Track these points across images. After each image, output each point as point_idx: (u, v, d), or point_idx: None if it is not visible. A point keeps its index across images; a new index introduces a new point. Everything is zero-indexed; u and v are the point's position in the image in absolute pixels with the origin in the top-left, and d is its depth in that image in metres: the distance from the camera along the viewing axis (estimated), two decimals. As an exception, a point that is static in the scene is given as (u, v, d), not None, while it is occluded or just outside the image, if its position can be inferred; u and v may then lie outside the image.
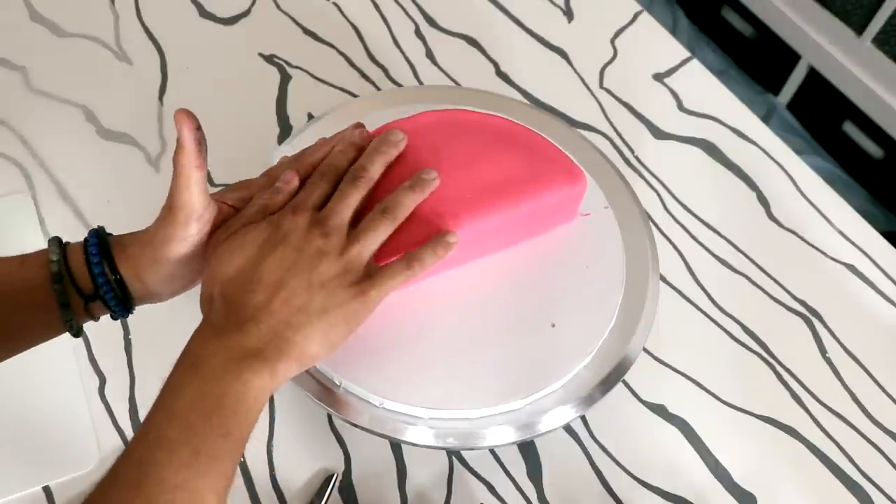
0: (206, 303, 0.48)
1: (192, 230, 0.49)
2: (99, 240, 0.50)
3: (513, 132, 0.61)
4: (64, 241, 0.50)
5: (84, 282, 0.49)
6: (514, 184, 0.57)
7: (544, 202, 0.58)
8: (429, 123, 0.60)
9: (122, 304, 0.50)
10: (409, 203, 0.52)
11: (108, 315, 0.51)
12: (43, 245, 0.70)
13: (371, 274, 0.49)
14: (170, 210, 0.48)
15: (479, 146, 0.59)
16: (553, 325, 0.57)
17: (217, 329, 0.45)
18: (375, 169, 0.53)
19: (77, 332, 0.50)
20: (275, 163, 0.62)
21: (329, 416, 0.65)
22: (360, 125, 0.58)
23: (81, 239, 0.51)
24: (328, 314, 0.46)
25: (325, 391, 0.55)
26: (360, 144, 0.55)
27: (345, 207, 0.50)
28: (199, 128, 0.47)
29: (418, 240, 0.52)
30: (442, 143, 0.59)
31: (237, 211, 0.52)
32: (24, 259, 0.50)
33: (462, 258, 0.57)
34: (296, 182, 0.52)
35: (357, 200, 0.51)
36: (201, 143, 0.47)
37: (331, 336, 0.47)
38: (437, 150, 0.58)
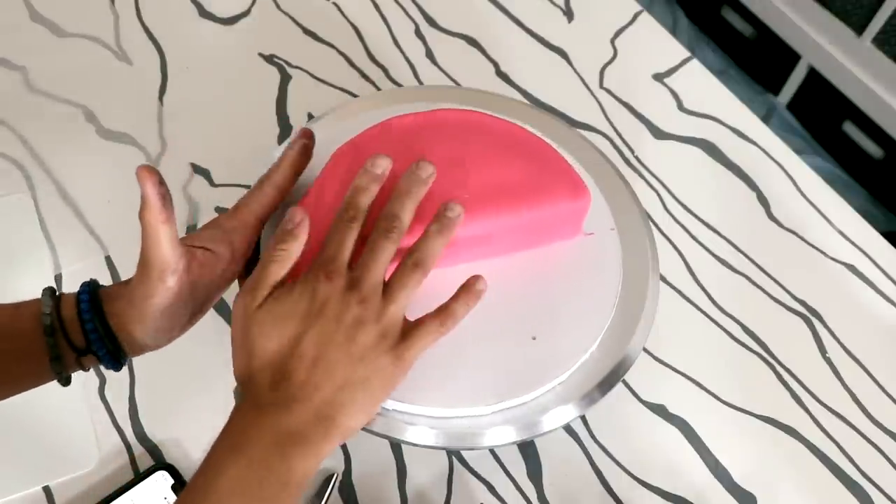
0: (246, 378, 0.46)
1: (169, 283, 0.48)
2: (90, 294, 0.49)
3: (522, 139, 0.60)
4: (58, 292, 0.50)
5: (76, 336, 0.49)
6: (515, 190, 0.57)
7: (544, 213, 0.57)
8: (438, 121, 0.60)
9: (113, 358, 0.50)
10: (439, 250, 0.50)
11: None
12: (43, 246, 0.71)
13: (405, 335, 0.48)
14: (144, 268, 0.48)
15: (484, 148, 0.59)
16: (534, 338, 0.57)
17: (260, 408, 0.45)
18: (407, 216, 0.50)
19: (66, 383, 0.50)
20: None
21: (329, 416, 0.65)
22: (309, 132, 0.57)
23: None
24: (369, 384, 0.46)
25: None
26: (381, 177, 0.52)
27: (379, 266, 0.48)
28: (161, 182, 0.46)
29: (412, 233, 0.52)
30: (448, 142, 0.59)
31: (210, 252, 0.51)
32: (17, 308, 0.49)
33: (456, 258, 0.57)
34: (307, 223, 0.49)
35: (391, 255, 0.48)
36: (165, 197, 0.46)
37: (371, 406, 0.47)
38: (442, 147, 0.58)
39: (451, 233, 0.50)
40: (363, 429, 0.55)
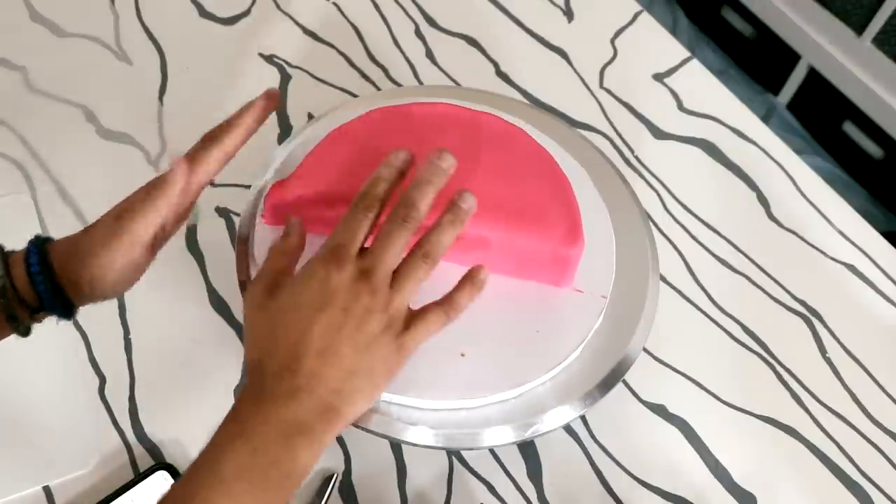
0: (255, 366, 0.47)
1: (138, 257, 0.50)
2: (39, 253, 0.50)
3: (544, 163, 0.60)
4: (6, 249, 0.51)
5: (29, 296, 0.49)
6: (507, 208, 0.57)
7: (528, 245, 0.57)
8: (467, 119, 0.60)
9: (65, 312, 0.51)
10: (450, 241, 0.49)
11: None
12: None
13: (409, 324, 0.48)
14: (117, 236, 0.49)
15: (501, 160, 0.59)
16: (537, 331, 0.57)
17: (266, 396, 0.45)
18: (425, 205, 0.49)
19: (26, 333, 0.51)
20: (277, 162, 0.63)
21: (329, 416, 0.65)
22: (275, 94, 0.55)
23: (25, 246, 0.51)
24: (372, 373, 0.46)
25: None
26: (402, 171, 0.51)
27: (392, 255, 0.47)
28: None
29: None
30: (467, 141, 0.59)
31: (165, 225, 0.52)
32: None
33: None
34: (301, 224, 0.51)
35: (405, 243, 0.48)
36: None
37: (372, 393, 0.47)
38: (456, 144, 0.58)
39: (462, 224, 0.50)
40: (363, 429, 0.55)
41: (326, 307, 0.46)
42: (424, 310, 0.49)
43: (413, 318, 0.48)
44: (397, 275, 0.48)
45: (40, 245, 0.50)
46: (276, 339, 0.46)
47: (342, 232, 0.48)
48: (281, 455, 0.43)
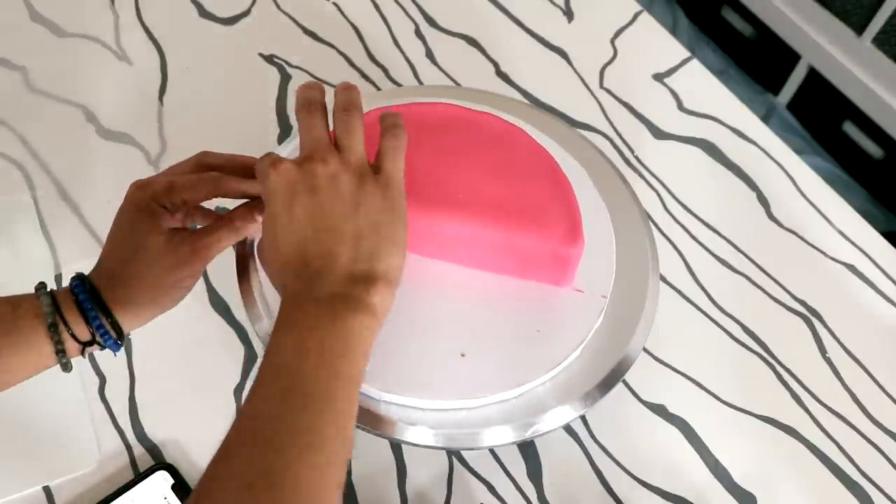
0: (277, 284, 0.48)
1: (189, 288, 0.55)
2: (85, 289, 0.51)
3: (546, 165, 0.60)
4: (48, 288, 0.51)
5: (81, 331, 0.50)
6: (508, 209, 0.57)
7: (529, 244, 0.57)
8: (473, 120, 0.61)
9: (117, 343, 0.52)
10: (354, 95, 0.51)
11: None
12: (43, 246, 0.71)
13: (377, 167, 0.49)
14: (193, 265, 0.53)
15: (505, 161, 0.59)
16: (538, 331, 0.57)
17: (298, 294, 0.46)
18: (318, 92, 0.52)
19: (70, 369, 0.52)
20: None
21: (329, 416, 0.65)
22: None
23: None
24: (379, 224, 0.46)
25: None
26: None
27: (316, 130, 0.49)
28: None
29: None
30: (472, 143, 0.59)
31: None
32: (14, 305, 0.50)
33: (432, 252, 0.57)
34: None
35: (322, 118, 0.50)
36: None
37: (396, 239, 0.47)
38: (461, 144, 0.58)
39: (355, 89, 0.52)
40: (363, 429, 0.55)
41: (295, 202, 0.46)
42: (380, 148, 0.50)
43: (377, 160, 0.49)
44: (337, 140, 0.49)
45: (86, 284, 0.51)
46: (277, 252, 0.47)
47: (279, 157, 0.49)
48: (329, 326, 0.43)
